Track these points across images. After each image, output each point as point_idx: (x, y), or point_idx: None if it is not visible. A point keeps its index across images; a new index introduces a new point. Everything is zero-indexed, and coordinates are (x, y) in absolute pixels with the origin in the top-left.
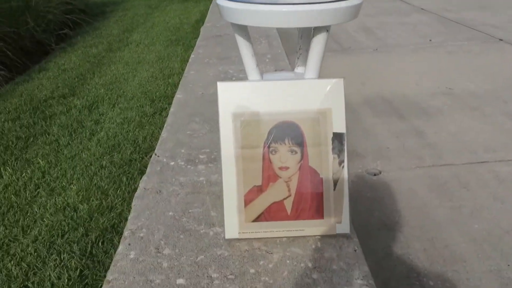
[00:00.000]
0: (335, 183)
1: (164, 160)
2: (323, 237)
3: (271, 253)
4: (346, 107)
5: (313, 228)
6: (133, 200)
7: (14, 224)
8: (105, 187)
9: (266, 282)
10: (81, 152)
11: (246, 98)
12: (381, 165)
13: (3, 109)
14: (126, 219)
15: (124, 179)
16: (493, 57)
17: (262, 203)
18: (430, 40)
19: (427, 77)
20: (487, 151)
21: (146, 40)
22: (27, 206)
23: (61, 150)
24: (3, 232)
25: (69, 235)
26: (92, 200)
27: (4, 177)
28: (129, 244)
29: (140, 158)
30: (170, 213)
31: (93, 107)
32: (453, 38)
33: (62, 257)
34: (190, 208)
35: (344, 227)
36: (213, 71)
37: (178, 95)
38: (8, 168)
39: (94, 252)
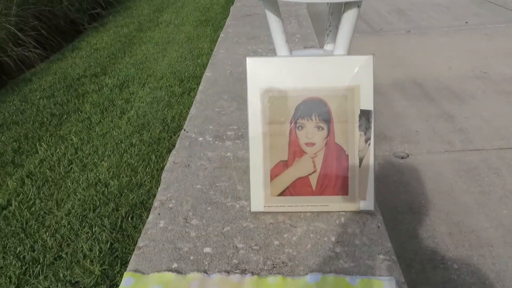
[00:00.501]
0: (361, 160)
1: (193, 135)
2: (347, 213)
3: (295, 227)
4: (375, 89)
5: (337, 204)
6: (163, 173)
7: (49, 197)
8: (135, 165)
9: (289, 254)
10: (112, 130)
11: (274, 73)
12: (409, 149)
13: (39, 87)
14: (155, 196)
15: (153, 157)
16: None
17: (287, 178)
18: (466, 23)
19: (461, 60)
20: None
21: (176, 20)
22: (61, 181)
23: (93, 127)
24: (39, 205)
25: (100, 209)
26: (122, 177)
27: (39, 152)
28: (159, 214)
29: (169, 137)
30: (198, 186)
31: (123, 86)
32: (491, 21)
33: (93, 230)
34: (217, 182)
35: (368, 204)
36: (242, 50)
37: (207, 73)
38: (43, 143)
39: (124, 226)
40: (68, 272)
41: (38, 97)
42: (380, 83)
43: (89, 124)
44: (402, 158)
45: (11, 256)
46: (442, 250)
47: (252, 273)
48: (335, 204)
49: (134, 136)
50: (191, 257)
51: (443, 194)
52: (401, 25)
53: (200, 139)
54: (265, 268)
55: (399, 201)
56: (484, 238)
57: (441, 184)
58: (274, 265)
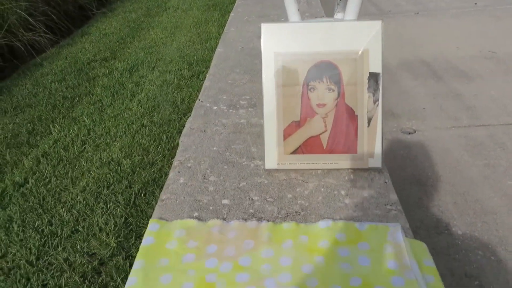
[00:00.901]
0: (369, 120)
1: (208, 105)
2: (356, 170)
3: (307, 182)
4: (383, 69)
5: (346, 161)
6: (180, 137)
7: (64, 175)
8: (146, 145)
9: (302, 205)
10: (123, 112)
11: (287, 38)
12: (416, 125)
13: (50, 71)
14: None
15: (164, 137)
16: None
17: (299, 137)
18: (475, 4)
19: (470, 41)
20: None
21: (184, 5)
22: (75, 160)
23: (104, 109)
24: (55, 182)
25: (114, 186)
26: (134, 156)
27: (53, 133)
28: (179, 172)
29: (179, 119)
30: (215, 148)
31: (133, 70)
32: (501, 2)
33: (108, 206)
34: (232, 144)
35: (376, 161)
36: (253, 28)
37: (219, 49)
38: (56, 125)
39: (137, 202)
40: (85, 244)
41: (49, 81)
42: (388, 63)
43: (100, 106)
44: (409, 134)
45: (30, 230)
46: (447, 218)
47: (268, 220)
48: (344, 161)
49: (145, 117)
50: (211, 208)
51: (449, 167)
52: (409, 7)
53: (215, 107)
54: (279, 216)
55: (406, 174)
56: (489, 207)
57: (447, 158)
58: (288, 214)
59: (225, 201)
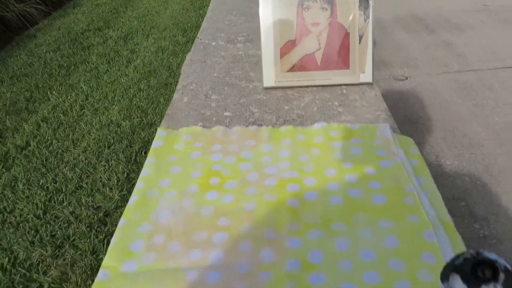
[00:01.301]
0: (360, 37)
1: (206, 41)
2: (348, 85)
3: (303, 97)
4: (375, 25)
5: (339, 77)
6: (182, 67)
7: (65, 138)
8: (144, 107)
9: (298, 114)
10: (120, 77)
11: None
12: (408, 72)
13: (44, 41)
14: None
15: (162, 99)
16: None
17: (295, 55)
18: None
19: None
20: None
21: None
22: (75, 123)
23: (101, 76)
24: (56, 144)
25: (115, 146)
26: (133, 118)
27: (51, 99)
28: (182, 93)
29: (175, 82)
30: (215, 74)
31: (127, 38)
32: None
33: (110, 163)
34: (231, 71)
35: (367, 76)
36: None
37: None
38: (54, 92)
39: (138, 159)
40: (90, 198)
41: (44, 51)
42: (382, 18)
43: (97, 73)
44: (402, 80)
45: (35, 187)
46: (436, 151)
47: (267, 126)
48: (337, 77)
49: (142, 82)
50: (214, 119)
51: (439, 108)
52: None
53: (213, 43)
54: (278, 123)
55: (398, 115)
56: (476, 140)
57: (438, 100)
58: (285, 121)
59: (227, 113)
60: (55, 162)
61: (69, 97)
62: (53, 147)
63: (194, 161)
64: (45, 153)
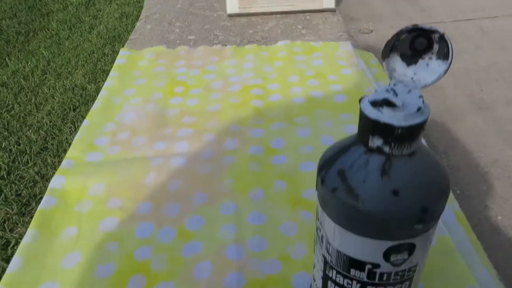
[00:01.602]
0: None
1: None
2: (312, 12)
3: (267, 23)
4: None
5: (302, 3)
6: (144, 0)
7: (27, 102)
8: (110, 70)
9: (262, 36)
10: (83, 43)
11: None
12: (373, 26)
13: None
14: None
15: None
16: None
17: None
18: None
19: None
20: (475, 11)
21: None
22: (37, 88)
23: (62, 42)
24: (18, 108)
25: (81, 109)
26: (99, 81)
27: (9, 65)
28: (145, 21)
29: None
30: (179, 6)
31: (89, 4)
32: None
33: (76, 125)
34: (195, 2)
35: (330, 2)
36: None
37: None
38: (12, 58)
39: None
40: (56, 159)
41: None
42: None
43: (58, 39)
44: (367, 33)
45: None
46: None
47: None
48: (300, 3)
49: (106, 47)
50: (178, 41)
51: None
52: None
53: None
54: (242, 44)
55: None
56: (438, 84)
57: None
58: (249, 42)
59: (191, 37)
60: (18, 126)
61: (29, 62)
62: (14, 111)
63: (158, 74)
64: (7, 117)
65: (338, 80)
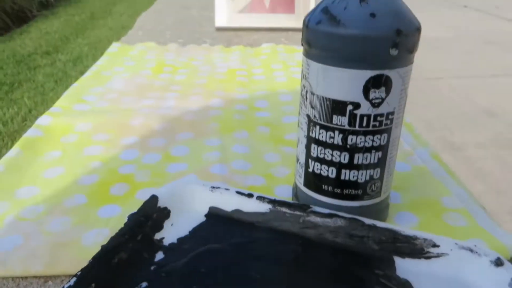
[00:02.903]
0: None
1: (161, 7)
2: (295, 31)
3: (252, 36)
4: None
5: (286, 21)
6: (137, 18)
7: (3, 146)
8: None
9: (248, 43)
10: None
11: None
12: None
13: None
14: None
15: None
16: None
17: None
18: None
19: None
20: (443, 71)
21: (130, 11)
22: (15, 133)
23: (46, 93)
24: None
25: None
26: None
27: None
28: (137, 30)
29: None
30: (169, 23)
31: (77, 61)
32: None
33: None
34: (185, 21)
35: None
36: None
37: None
38: None
39: None
40: None
41: None
42: None
43: (42, 90)
44: None
45: None
46: None
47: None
48: (284, 21)
49: None
50: (168, 43)
51: None
52: None
53: (169, 9)
54: (231, 45)
55: None
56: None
57: None
58: (237, 45)
59: (180, 40)
60: None
61: (10, 110)
62: None
63: (148, 60)
64: None
65: None
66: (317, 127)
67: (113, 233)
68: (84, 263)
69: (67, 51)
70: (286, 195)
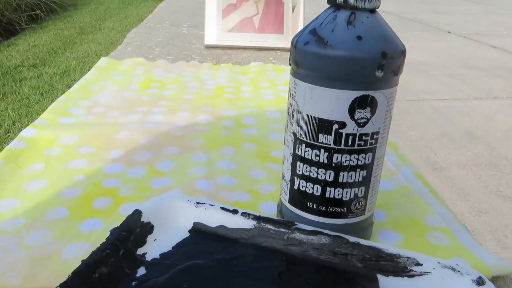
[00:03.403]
0: (293, 7)
1: (151, 24)
2: (282, 50)
3: (241, 54)
4: None
5: (274, 40)
6: (127, 35)
7: None
8: None
9: (236, 61)
10: None
11: None
12: None
13: None
14: None
15: None
16: (441, 43)
17: (235, 17)
18: None
19: None
20: (426, 93)
21: (119, 27)
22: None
23: (32, 105)
24: None
25: None
26: None
27: None
28: (126, 45)
29: None
30: (159, 39)
31: (64, 75)
32: (407, 30)
33: None
34: (175, 38)
35: None
36: None
37: (161, 5)
38: None
39: None
40: None
41: None
42: None
43: (27, 103)
44: None
45: None
46: None
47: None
48: (272, 40)
49: None
50: (157, 59)
51: None
52: None
53: (158, 25)
54: (219, 63)
55: None
56: None
57: None
58: (225, 63)
59: (169, 57)
60: None
61: None
62: None
63: (136, 74)
64: None
65: None
66: (303, 145)
67: (94, 248)
68: (64, 278)
69: (55, 65)
70: (271, 211)
